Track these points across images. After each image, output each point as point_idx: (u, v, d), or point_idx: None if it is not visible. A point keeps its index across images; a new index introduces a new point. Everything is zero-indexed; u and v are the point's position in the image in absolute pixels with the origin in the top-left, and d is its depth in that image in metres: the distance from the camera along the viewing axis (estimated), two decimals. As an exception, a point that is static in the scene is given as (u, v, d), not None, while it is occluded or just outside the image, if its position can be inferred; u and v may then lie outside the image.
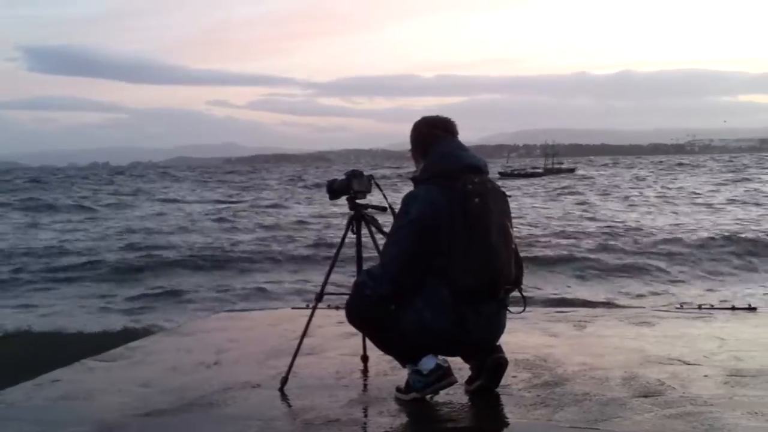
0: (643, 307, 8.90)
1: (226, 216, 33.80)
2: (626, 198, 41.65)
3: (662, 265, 17.18)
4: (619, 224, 25.47)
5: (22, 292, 15.75)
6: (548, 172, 77.46)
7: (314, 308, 4.43)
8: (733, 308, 6.37)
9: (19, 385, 4.75)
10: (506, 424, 3.59)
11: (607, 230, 23.79)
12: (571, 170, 77.61)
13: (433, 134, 3.96)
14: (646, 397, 3.84)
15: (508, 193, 3.98)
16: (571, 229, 24.54)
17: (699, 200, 38.14)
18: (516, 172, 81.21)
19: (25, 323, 12.03)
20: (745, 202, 35.59)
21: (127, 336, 9.07)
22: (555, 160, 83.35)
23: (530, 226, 25.81)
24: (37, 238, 26.19)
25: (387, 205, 4.31)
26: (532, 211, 33.13)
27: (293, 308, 7.15)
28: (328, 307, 6.29)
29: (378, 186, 4.46)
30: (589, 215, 30.43)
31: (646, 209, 33.14)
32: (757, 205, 33.92)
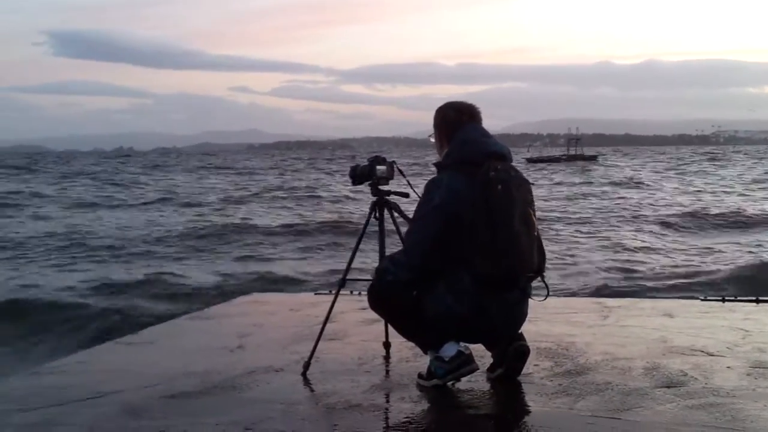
0: (667, 298, 8.85)
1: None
2: None
3: None
4: None
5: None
6: (570, 158, 78.19)
7: (337, 294, 4.45)
8: (758, 300, 6.32)
9: (45, 365, 4.83)
10: (527, 412, 3.59)
11: None
12: (594, 158, 78.13)
13: (460, 119, 3.95)
14: (668, 387, 3.83)
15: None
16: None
17: None
18: (544, 158, 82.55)
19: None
20: None
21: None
22: (577, 149, 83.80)
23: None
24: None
25: (410, 191, 4.32)
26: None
27: (316, 293, 7.18)
28: (351, 293, 6.32)
29: (401, 172, 4.46)
30: None
31: None
32: None
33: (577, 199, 33.63)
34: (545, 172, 52.01)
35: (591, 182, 44.44)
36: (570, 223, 23.21)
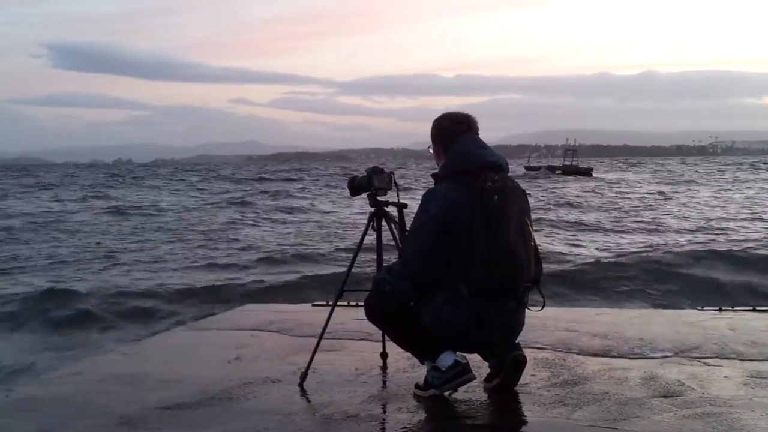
0: (665, 309, 8.86)
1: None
2: None
3: None
4: None
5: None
6: (565, 170, 77.84)
7: (334, 305, 4.45)
8: (755, 309, 6.33)
9: (40, 377, 4.83)
10: (524, 422, 3.59)
11: None
12: (589, 171, 77.73)
13: (457, 130, 3.96)
14: (665, 397, 3.83)
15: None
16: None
17: None
18: (540, 166, 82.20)
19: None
20: None
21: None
22: (573, 161, 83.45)
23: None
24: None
25: (406, 203, 4.33)
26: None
27: (313, 305, 7.17)
28: (348, 303, 6.31)
29: (396, 183, 4.47)
30: None
31: None
32: None
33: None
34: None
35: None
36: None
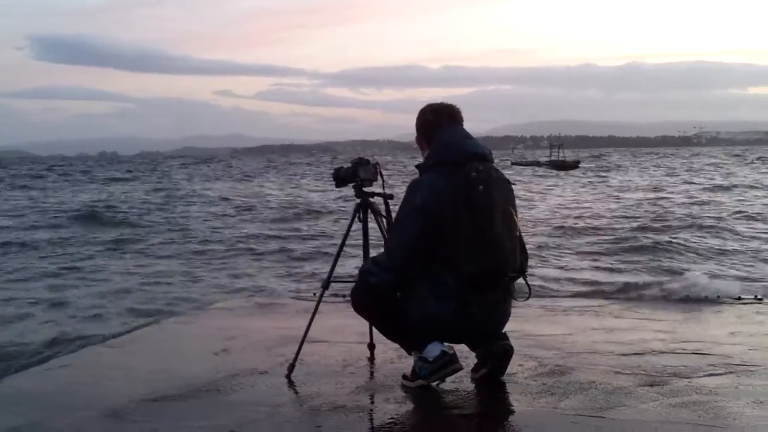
0: (652, 297, 8.88)
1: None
2: None
3: None
4: None
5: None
6: (552, 164, 77.31)
7: (321, 296, 4.44)
8: (740, 299, 6.37)
9: (28, 370, 4.80)
10: (512, 412, 3.60)
11: None
12: (576, 164, 77.27)
13: (438, 121, 3.97)
14: (651, 386, 3.85)
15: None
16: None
17: None
18: (526, 162, 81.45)
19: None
20: None
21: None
22: (560, 153, 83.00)
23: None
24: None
25: (391, 193, 4.33)
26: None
27: (300, 296, 7.17)
28: (336, 295, 6.30)
29: (381, 174, 4.46)
30: None
31: None
32: None
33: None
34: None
35: None
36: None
